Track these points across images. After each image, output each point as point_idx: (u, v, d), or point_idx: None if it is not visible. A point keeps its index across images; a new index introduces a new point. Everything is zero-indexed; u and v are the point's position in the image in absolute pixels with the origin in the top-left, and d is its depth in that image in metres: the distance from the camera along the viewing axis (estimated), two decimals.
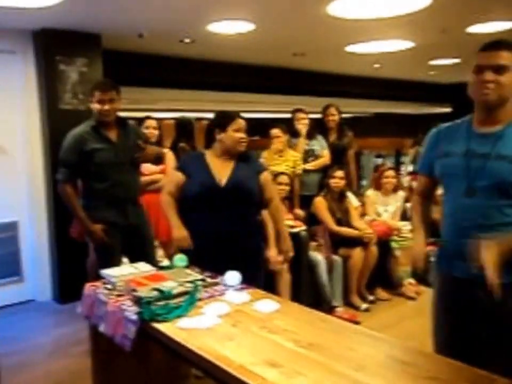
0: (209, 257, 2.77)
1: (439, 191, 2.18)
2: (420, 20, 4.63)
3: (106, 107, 3.31)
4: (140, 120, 4.48)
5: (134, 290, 2.31)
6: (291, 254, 3.07)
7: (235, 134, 2.82)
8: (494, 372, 1.58)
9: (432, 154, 2.09)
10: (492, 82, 1.85)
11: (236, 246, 2.78)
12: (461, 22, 4.86)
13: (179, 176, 2.88)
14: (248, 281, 2.51)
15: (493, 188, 1.86)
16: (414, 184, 6.18)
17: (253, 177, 2.88)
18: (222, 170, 2.84)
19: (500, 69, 1.84)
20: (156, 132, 4.42)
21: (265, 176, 2.95)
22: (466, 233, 1.92)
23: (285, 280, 4.03)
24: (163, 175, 4.29)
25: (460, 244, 1.96)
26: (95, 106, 3.34)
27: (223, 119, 2.87)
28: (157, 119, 4.61)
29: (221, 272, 2.56)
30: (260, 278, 2.87)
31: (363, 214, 5.14)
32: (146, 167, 4.18)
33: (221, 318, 2.08)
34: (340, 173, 4.71)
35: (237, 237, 2.79)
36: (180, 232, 2.84)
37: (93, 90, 3.37)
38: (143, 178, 3.99)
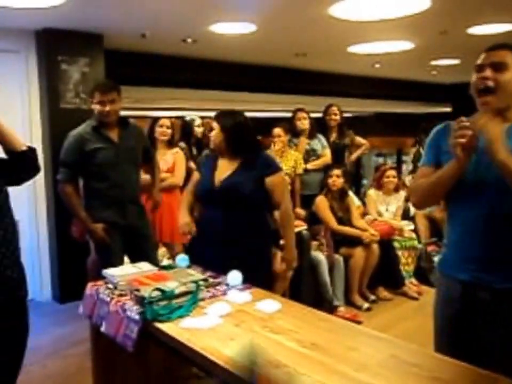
0: (208, 256, 2.80)
1: None
2: (420, 22, 4.63)
3: (107, 108, 3.31)
4: (154, 119, 4.52)
5: (136, 290, 2.31)
6: (295, 264, 3.00)
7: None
8: (501, 374, 1.57)
9: (440, 146, 2.00)
10: (490, 79, 1.82)
11: (228, 247, 2.76)
12: (461, 23, 4.87)
13: (197, 176, 3.02)
14: (245, 282, 2.50)
15: (501, 183, 1.79)
16: None
17: (254, 181, 2.78)
18: (224, 172, 2.84)
19: (499, 67, 1.82)
20: (169, 131, 4.47)
21: (272, 180, 2.81)
22: (474, 232, 1.88)
23: (280, 287, 3.98)
24: (169, 174, 4.32)
25: (466, 244, 1.91)
26: (96, 107, 3.34)
27: None
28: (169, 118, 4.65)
29: (219, 270, 2.58)
30: (256, 280, 2.81)
31: (364, 213, 5.14)
32: None
33: (223, 318, 2.08)
34: (337, 172, 4.72)
35: (229, 238, 2.78)
36: (183, 218, 2.97)
37: (94, 92, 3.38)
38: (148, 177, 3.99)
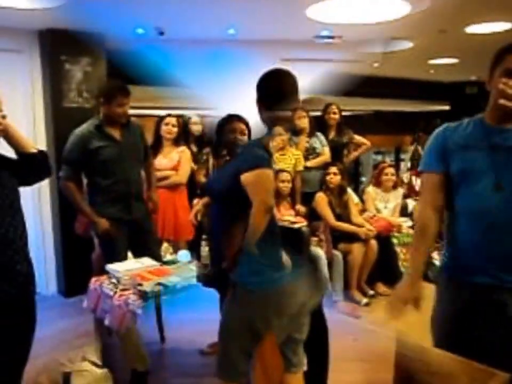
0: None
1: None
2: (418, 21, 4.66)
3: (126, 110, 3.41)
4: (161, 117, 4.55)
5: (139, 284, 2.37)
6: None
7: None
8: None
9: (445, 148, 1.93)
10: None
11: (213, 246, 2.72)
12: (459, 22, 4.89)
13: None
14: None
15: None
16: (414, 179, 6.25)
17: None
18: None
19: None
20: (175, 129, 4.49)
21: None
22: (493, 232, 1.82)
23: None
24: (174, 172, 4.37)
25: (485, 245, 1.85)
26: (116, 110, 3.38)
27: None
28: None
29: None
30: None
31: (363, 210, 5.19)
32: (159, 163, 4.24)
33: None
34: (334, 169, 4.78)
35: (220, 237, 2.62)
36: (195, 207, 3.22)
37: (115, 94, 3.39)
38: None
